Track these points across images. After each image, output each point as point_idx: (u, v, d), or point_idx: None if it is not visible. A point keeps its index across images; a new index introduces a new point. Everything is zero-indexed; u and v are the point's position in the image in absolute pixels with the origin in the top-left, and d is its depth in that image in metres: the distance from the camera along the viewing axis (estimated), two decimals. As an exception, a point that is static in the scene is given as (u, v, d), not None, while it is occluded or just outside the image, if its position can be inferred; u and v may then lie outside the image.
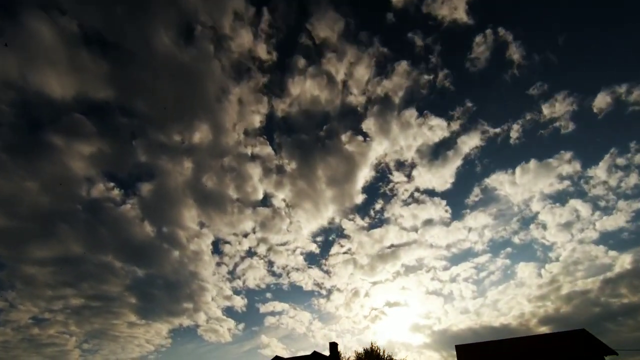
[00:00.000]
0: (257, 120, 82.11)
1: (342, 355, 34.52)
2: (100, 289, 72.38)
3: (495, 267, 75.12)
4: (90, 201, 73.70)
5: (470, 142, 75.79)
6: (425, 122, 78.02)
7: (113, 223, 76.12)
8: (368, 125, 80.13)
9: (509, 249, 76.04)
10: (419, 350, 64.27)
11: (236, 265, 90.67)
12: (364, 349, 34.24)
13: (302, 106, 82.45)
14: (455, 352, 29.02)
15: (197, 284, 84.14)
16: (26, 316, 65.03)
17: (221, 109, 79.17)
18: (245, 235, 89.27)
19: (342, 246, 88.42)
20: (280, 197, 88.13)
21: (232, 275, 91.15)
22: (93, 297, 71.75)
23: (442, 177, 78.55)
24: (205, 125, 79.12)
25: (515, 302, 68.60)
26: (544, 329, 58.22)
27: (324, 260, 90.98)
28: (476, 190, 79.31)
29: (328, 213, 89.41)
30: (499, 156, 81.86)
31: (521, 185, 71.09)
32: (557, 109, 67.36)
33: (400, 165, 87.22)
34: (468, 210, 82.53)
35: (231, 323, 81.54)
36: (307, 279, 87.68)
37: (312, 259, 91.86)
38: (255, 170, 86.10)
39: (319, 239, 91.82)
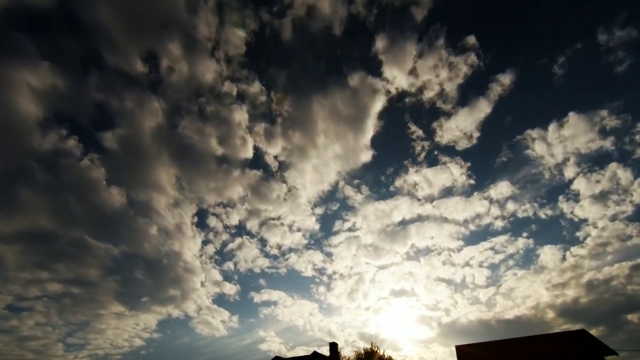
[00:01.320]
0: (241, 42, 65.35)
1: (342, 355, 34.48)
2: (78, 272, 65.58)
3: (514, 249, 66.10)
4: (45, 155, 59.57)
5: (504, 81, 62.89)
6: (452, 48, 64.16)
7: (77, 187, 63.61)
8: (379, 46, 65.08)
9: (532, 227, 66.46)
10: (425, 344, 60.26)
11: (225, 244, 78.22)
12: (364, 349, 34.22)
13: (297, 22, 65.10)
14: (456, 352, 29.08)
15: (182, 266, 73.27)
16: (1, 304, 59.51)
17: (195, 22, 60.58)
18: (233, 206, 76.09)
19: (345, 221, 76.37)
20: (273, 154, 73.70)
21: (221, 256, 78.43)
22: (72, 282, 65.22)
23: (467, 129, 65.17)
24: (176, 47, 61.62)
25: (532, 290, 61.66)
26: (559, 322, 54.93)
27: (325, 241, 78.64)
28: (504, 150, 67.25)
29: (330, 176, 74.19)
30: (538, 104, 68.38)
31: (557, 143, 60.65)
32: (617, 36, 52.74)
33: (418, 110, 71.84)
34: (491, 178, 70.96)
35: (224, 314, 73.14)
36: (306, 263, 76.75)
37: (312, 239, 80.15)
38: (241, 116, 70.82)
39: (318, 211, 77.77)
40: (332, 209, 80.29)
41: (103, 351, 66.65)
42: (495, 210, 67.32)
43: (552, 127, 61.80)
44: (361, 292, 73.13)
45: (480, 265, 68.03)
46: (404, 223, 72.96)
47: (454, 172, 69.78)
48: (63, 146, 62.07)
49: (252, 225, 78.33)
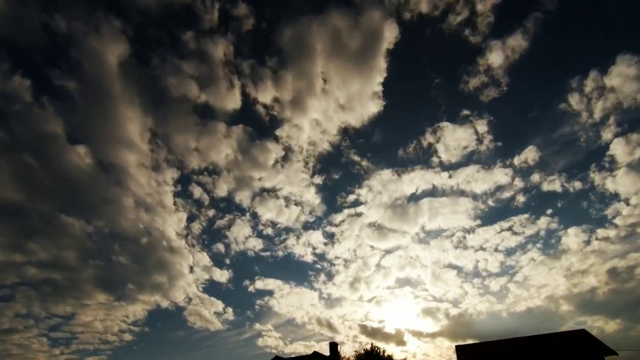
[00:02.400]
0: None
1: (342, 355, 34.55)
2: (54, 253, 60.61)
3: (534, 230, 59.25)
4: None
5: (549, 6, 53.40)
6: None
7: (35, 145, 54.51)
8: None
9: (557, 203, 59.16)
10: (431, 338, 56.61)
11: (212, 221, 69.79)
12: (364, 349, 34.29)
13: None
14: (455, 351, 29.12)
15: (166, 247, 66.25)
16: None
17: None
18: (220, 173, 67.56)
19: (350, 193, 68.06)
20: (263, 102, 63.91)
21: (210, 236, 70.45)
22: (49, 266, 60.32)
23: (497, 72, 56.25)
24: None
25: (549, 278, 56.39)
26: (575, 314, 51.48)
27: (326, 220, 70.07)
28: (537, 103, 59.69)
29: (331, 134, 64.11)
30: (582, 43, 58.13)
31: (598, 95, 51.88)
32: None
33: (439, 43, 60.99)
34: (518, 140, 63.30)
35: (218, 305, 67.20)
36: (304, 247, 68.94)
37: (312, 215, 70.22)
38: (226, 49, 60.24)
39: (318, 180, 68.92)
40: (334, 178, 70.68)
41: (92, 346, 62.52)
42: (518, 182, 59.88)
43: (594, 74, 54.04)
44: (364, 281, 66.92)
45: (496, 249, 61.45)
46: (414, 198, 64.89)
47: (479, 129, 61.31)
48: (8, 87, 49.53)
49: (243, 197, 68.83)
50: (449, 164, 63.13)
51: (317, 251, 70.32)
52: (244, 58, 64.91)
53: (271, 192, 68.90)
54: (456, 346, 29.54)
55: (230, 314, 69.48)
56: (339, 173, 70.78)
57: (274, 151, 66.97)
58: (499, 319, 56.27)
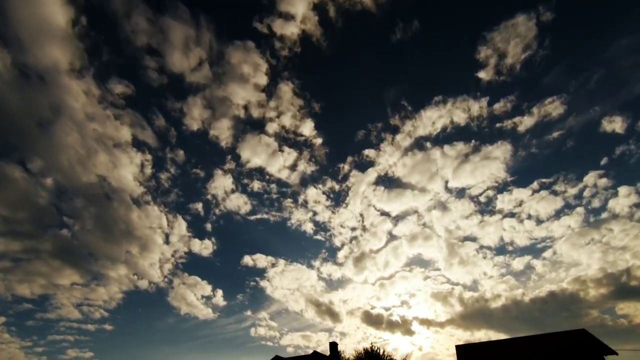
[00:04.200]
0: None
1: (342, 355, 34.59)
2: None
3: (577, 189, 47.85)
4: None
5: None
6: None
7: None
8: None
9: (615, 151, 46.48)
10: (440, 328, 51.01)
11: (182, 170, 54.38)
12: (364, 349, 34.27)
13: None
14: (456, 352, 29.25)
15: (127, 204, 55.86)
16: None
17: None
18: (185, 94, 49.33)
19: (361, 130, 53.90)
20: None
21: (184, 191, 54.12)
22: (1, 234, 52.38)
23: None
24: None
25: (584, 254, 46.95)
26: (608, 298, 44.03)
27: (330, 171, 57.33)
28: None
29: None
30: None
31: None
32: None
33: None
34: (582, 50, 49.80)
35: (204, 287, 57.66)
36: (302, 212, 55.59)
37: (312, 164, 56.11)
38: None
39: (317, 107, 56.02)
40: (338, 102, 56.74)
41: (73, 337, 56.19)
42: (572, 120, 47.41)
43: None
44: (370, 257, 56.94)
45: (528, 216, 51.48)
46: (439, 140, 50.12)
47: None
48: None
49: (220, 132, 51.73)
50: (495, 83, 49.08)
51: (318, 219, 59.32)
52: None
53: (259, 127, 54.14)
54: (456, 346, 29.83)
55: (220, 298, 60.55)
56: (346, 97, 59.04)
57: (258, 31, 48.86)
58: (518, 306, 49.61)
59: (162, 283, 57.42)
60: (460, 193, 55.04)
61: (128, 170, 53.92)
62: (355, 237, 57.75)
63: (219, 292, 60.40)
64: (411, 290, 56.79)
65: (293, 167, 55.29)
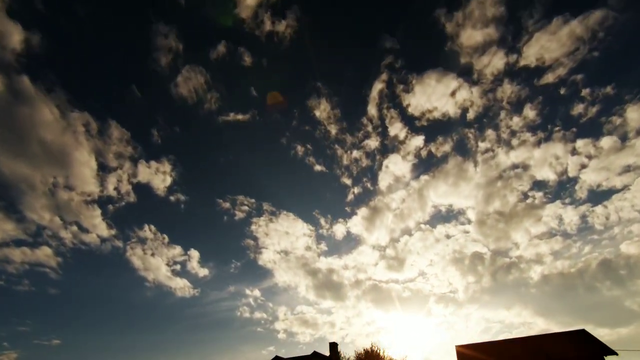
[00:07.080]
0: None
1: (342, 355, 34.68)
2: None
3: None
4: None
5: None
6: None
7: None
8: None
9: None
10: (457, 308, 41.16)
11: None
12: (364, 349, 34.37)
13: None
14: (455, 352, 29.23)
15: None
16: None
17: None
18: None
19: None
20: None
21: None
22: None
23: None
24: None
25: None
26: None
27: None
28: None
29: None
30: None
31: None
32: None
33: None
34: None
35: (173, 250, 41.19)
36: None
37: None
38: None
39: None
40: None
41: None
42: None
43: None
44: (384, 203, 44.19)
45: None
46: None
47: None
48: None
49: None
50: None
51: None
52: None
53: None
54: (456, 346, 29.77)
55: (195, 265, 42.75)
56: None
57: None
58: (558, 279, 35.63)
59: (115, 240, 42.75)
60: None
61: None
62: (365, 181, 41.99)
63: (195, 255, 45.27)
64: (431, 256, 44.70)
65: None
